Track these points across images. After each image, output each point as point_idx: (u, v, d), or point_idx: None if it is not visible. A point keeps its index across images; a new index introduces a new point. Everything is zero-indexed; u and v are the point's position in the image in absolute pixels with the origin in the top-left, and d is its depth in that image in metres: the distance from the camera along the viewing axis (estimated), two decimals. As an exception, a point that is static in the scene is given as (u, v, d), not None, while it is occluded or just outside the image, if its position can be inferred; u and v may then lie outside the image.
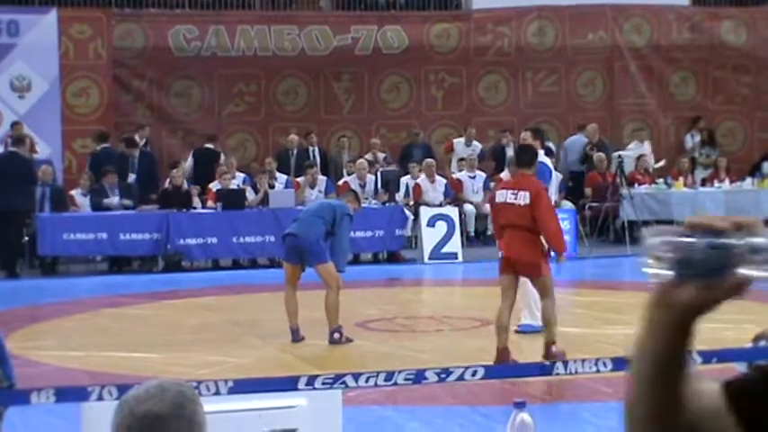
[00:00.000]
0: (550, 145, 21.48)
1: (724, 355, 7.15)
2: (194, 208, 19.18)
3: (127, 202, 18.96)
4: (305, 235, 11.44)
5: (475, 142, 22.72)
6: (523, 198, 10.25)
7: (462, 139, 22.80)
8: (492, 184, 21.50)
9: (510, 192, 10.43)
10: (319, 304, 11.64)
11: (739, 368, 6.91)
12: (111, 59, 22.12)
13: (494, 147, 23.10)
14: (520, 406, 4.92)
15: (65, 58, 21.51)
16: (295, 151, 21.98)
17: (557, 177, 21.86)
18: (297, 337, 11.66)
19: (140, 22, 22.77)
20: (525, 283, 11.45)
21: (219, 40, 23.02)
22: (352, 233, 18.72)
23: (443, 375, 5.84)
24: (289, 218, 18.50)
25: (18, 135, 19.22)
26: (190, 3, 23.44)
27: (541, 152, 12.12)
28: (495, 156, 22.38)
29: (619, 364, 6.00)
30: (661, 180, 22.02)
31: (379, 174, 20.72)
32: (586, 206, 21.75)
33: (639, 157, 22.64)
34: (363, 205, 19.38)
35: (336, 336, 11.55)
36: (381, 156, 22.33)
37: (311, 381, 5.40)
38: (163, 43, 22.70)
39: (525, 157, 10.85)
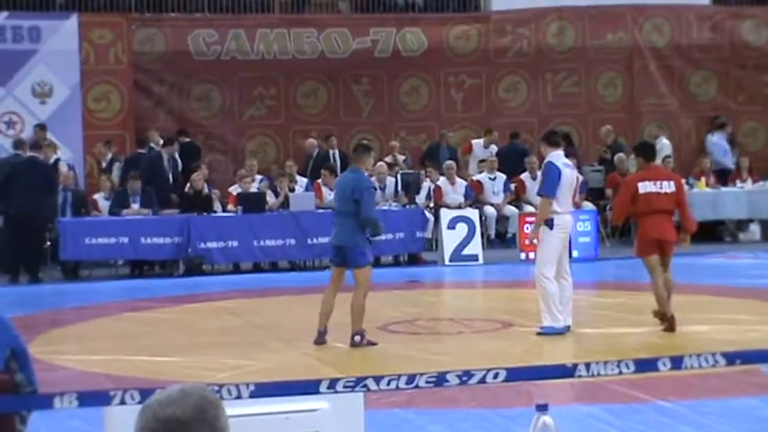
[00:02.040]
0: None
1: (749, 357, 7.11)
2: (215, 211, 19.21)
3: (146, 210, 18.96)
4: (343, 242, 11.53)
5: (492, 145, 22.70)
6: (668, 186, 12.03)
7: (481, 141, 22.78)
8: (512, 186, 21.52)
9: (651, 182, 11.97)
10: (345, 308, 11.62)
11: (765, 369, 6.88)
12: (132, 64, 22.18)
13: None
14: (542, 408, 4.91)
15: (85, 63, 21.59)
16: (315, 153, 21.99)
17: (578, 179, 21.86)
18: (321, 339, 11.63)
19: (160, 26, 22.84)
20: (544, 285, 11.46)
21: (239, 44, 23.07)
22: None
23: (465, 378, 5.82)
24: (309, 221, 18.72)
25: (35, 140, 19.26)
26: (209, 7, 23.50)
27: (558, 152, 12.08)
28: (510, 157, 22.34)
29: (641, 365, 5.97)
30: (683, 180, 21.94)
31: (398, 176, 20.71)
32: (607, 207, 21.69)
33: (664, 159, 22.55)
34: (384, 208, 19.53)
35: (357, 338, 11.53)
36: (401, 158, 22.33)
37: (333, 384, 5.39)
38: (183, 47, 22.76)
39: (648, 151, 12.64)
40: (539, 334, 11.76)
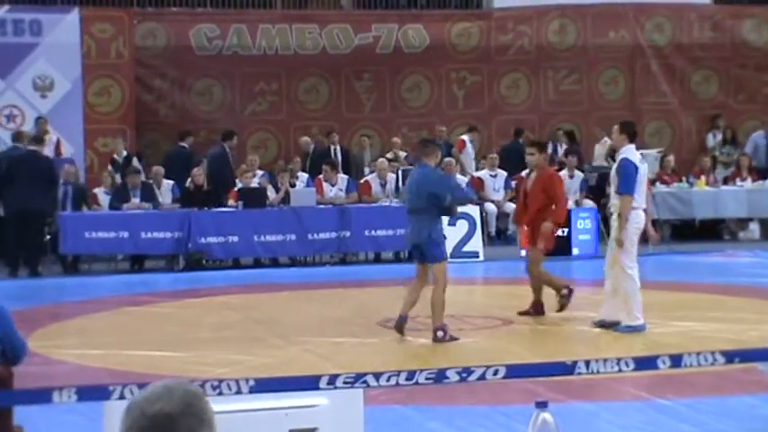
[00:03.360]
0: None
1: (747, 355, 7.12)
2: (221, 204, 19.19)
3: (146, 205, 18.99)
4: (419, 239, 11.54)
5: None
6: None
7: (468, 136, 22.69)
8: (513, 183, 21.52)
9: None
10: (346, 304, 11.62)
11: (762, 368, 6.89)
12: (133, 59, 22.18)
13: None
14: (541, 405, 4.91)
15: (87, 57, 21.57)
16: (311, 149, 22.04)
17: (578, 177, 21.88)
18: (401, 323, 11.62)
19: (162, 21, 22.84)
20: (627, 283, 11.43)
21: (241, 39, 23.07)
22: (374, 231, 18.93)
23: (464, 374, 5.82)
24: (310, 216, 18.73)
25: (36, 135, 19.27)
26: (211, 2, 23.51)
27: (632, 146, 11.97)
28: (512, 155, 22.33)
29: (641, 363, 5.97)
30: (684, 179, 21.97)
31: (400, 172, 20.71)
32: (608, 205, 21.68)
33: (664, 157, 22.56)
34: (384, 204, 19.54)
35: (440, 333, 11.47)
36: (402, 154, 22.34)
37: (332, 380, 5.39)
38: (184, 42, 22.76)
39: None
40: (624, 330, 11.70)
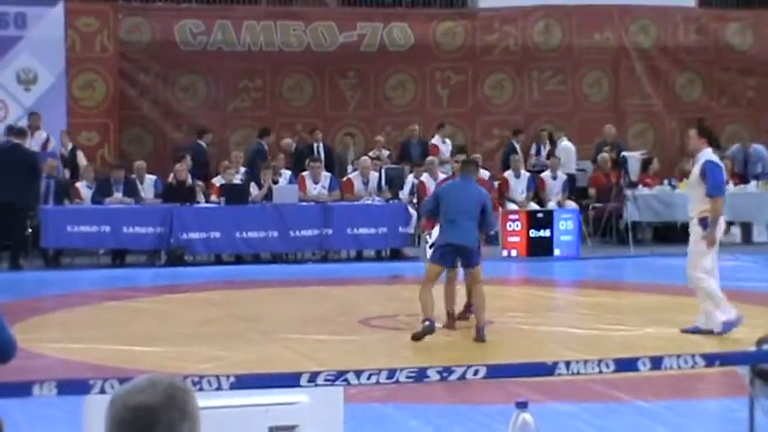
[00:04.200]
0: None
1: (727, 359, 7.15)
2: (198, 202, 19.18)
3: (128, 200, 18.97)
4: (468, 242, 11.67)
5: (447, 141, 22.62)
6: None
7: (438, 138, 22.65)
8: (496, 183, 21.55)
9: None
10: (325, 301, 11.61)
11: (741, 371, 6.92)
12: (118, 53, 22.12)
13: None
14: (522, 406, 4.92)
15: (71, 51, 21.51)
16: (293, 149, 22.06)
17: (561, 178, 21.92)
18: (431, 328, 11.48)
19: (147, 15, 22.78)
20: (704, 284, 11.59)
21: (226, 35, 23.03)
22: (356, 229, 18.99)
23: (445, 374, 5.84)
24: (292, 213, 18.73)
25: (19, 128, 19.21)
26: (197, -3, 23.45)
27: (709, 150, 11.85)
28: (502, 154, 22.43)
29: (621, 365, 5.99)
30: (665, 182, 22.04)
31: (383, 171, 20.72)
32: (590, 206, 21.75)
33: (648, 160, 22.61)
34: (367, 202, 19.56)
35: (484, 331, 11.61)
36: (386, 153, 22.34)
37: (313, 377, 5.40)
38: (169, 37, 22.71)
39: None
40: (719, 333, 11.56)
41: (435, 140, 22.59)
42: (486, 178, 21.28)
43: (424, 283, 11.74)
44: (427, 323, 11.39)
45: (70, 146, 20.83)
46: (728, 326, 11.63)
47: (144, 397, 2.88)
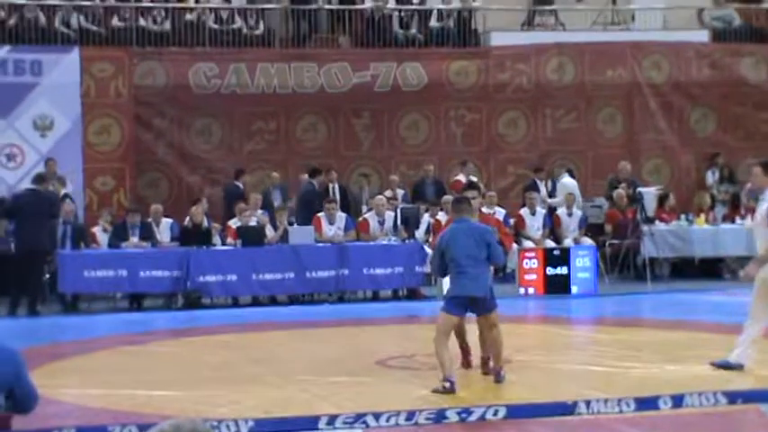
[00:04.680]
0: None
1: (749, 396, 7.10)
2: (214, 245, 19.20)
3: (144, 243, 19.01)
4: (483, 291, 11.26)
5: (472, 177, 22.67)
6: None
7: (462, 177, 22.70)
8: (512, 221, 21.54)
9: None
10: (344, 344, 11.57)
11: (764, 409, 6.86)
12: (133, 97, 22.22)
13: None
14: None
15: (86, 96, 21.63)
16: (310, 189, 22.02)
17: (577, 214, 21.89)
18: (452, 388, 10.89)
19: (161, 60, 22.89)
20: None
21: (240, 78, 23.13)
22: (372, 269, 18.97)
23: (464, 415, 5.81)
24: (308, 254, 18.72)
25: (39, 174, 19.30)
26: (210, 41, 23.56)
27: None
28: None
29: (642, 403, 5.95)
30: (683, 216, 22.00)
31: (398, 210, 20.72)
32: (607, 243, 21.69)
33: (664, 195, 22.59)
34: (383, 242, 19.55)
35: (503, 373, 11.46)
36: (401, 192, 22.35)
37: (332, 420, 5.38)
38: (183, 81, 22.81)
39: None
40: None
41: (460, 176, 22.62)
42: (501, 216, 21.35)
43: (439, 336, 11.14)
44: (448, 384, 10.85)
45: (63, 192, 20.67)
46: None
47: None
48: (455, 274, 11.23)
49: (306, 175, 22.09)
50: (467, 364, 12.15)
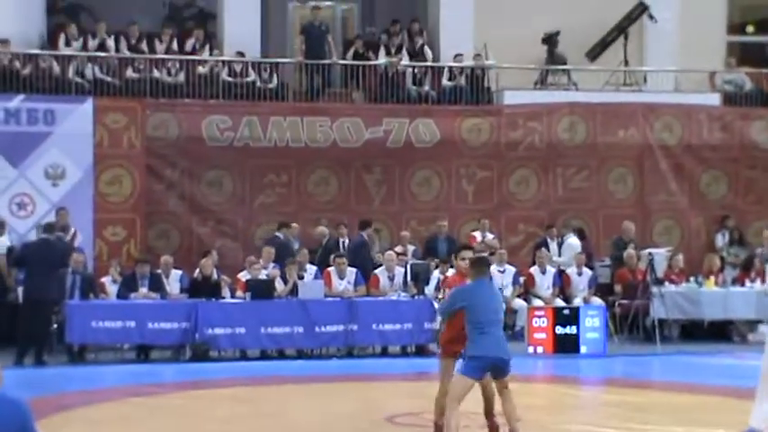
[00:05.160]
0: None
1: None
2: (223, 297, 19.18)
3: (153, 295, 19.01)
4: (508, 355, 10.73)
5: (488, 234, 22.77)
6: None
7: (478, 234, 22.76)
8: (522, 279, 21.51)
9: None
10: (352, 399, 11.49)
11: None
12: (145, 148, 22.30)
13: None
14: None
15: (99, 146, 21.70)
16: (325, 241, 21.99)
17: (587, 274, 21.87)
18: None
19: (174, 111, 22.99)
20: None
21: (252, 131, 23.21)
22: (381, 325, 18.94)
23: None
24: (318, 309, 18.69)
25: (48, 223, 19.34)
26: (224, 94, 23.69)
27: None
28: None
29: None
30: (692, 279, 21.95)
31: (408, 266, 20.70)
32: (616, 303, 21.64)
33: (672, 257, 22.57)
34: (393, 298, 19.52)
35: None
36: (411, 248, 22.35)
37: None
38: (196, 133, 22.90)
39: None
40: None
41: (476, 233, 22.66)
42: (512, 275, 21.35)
43: (452, 403, 10.52)
44: None
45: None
46: None
47: None
48: (477, 335, 10.59)
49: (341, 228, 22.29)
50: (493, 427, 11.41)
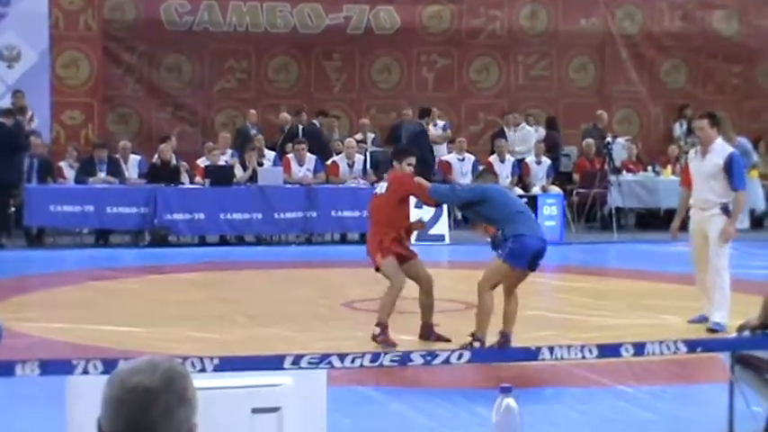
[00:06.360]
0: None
1: (708, 345, 7.18)
2: (182, 183, 19.14)
3: (112, 179, 18.92)
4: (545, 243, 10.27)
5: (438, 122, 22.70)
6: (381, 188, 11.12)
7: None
8: (480, 167, 21.54)
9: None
10: (311, 285, 11.57)
11: (723, 358, 6.95)
12: (102, 31, 22.01)
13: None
14: (506, 391, 4.93)
15: (55, 28, 21.40)
16: (287, 128, 21.90)
17: (545, 163, 21.94)
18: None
19: (132, -6, 22.66)
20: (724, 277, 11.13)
21: (211, 16, 22.96)
22: (340, 212, 18.97)
23: (429, 358, 5.85)
24: (277, 195, 18.71)
25: (6, 108, 19.12)
26: (182, -23, 23.35)
27: (720, 140, 11.31)
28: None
29: (604, 350, 6.01)
30: (650, 168, 22.08)
31: (368, 154, 20.69)
32: (574, 192, 21.77)
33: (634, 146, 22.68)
34: (352, 185, 19.54)
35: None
36: (371, 136, 22.32)
37: (297, 360, 5.40)
38: (155, 16, 22.63)
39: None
40: (711, 330, 10.97)
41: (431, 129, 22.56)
42: (471, 163, 21.39)
43: (489, 289, 10.12)
44: (477, 343, 9.98)
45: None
46: (722, 327, 11.27)
47: (143, 378, 2.86)
48: (518, 216, 10.01)
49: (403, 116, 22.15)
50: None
